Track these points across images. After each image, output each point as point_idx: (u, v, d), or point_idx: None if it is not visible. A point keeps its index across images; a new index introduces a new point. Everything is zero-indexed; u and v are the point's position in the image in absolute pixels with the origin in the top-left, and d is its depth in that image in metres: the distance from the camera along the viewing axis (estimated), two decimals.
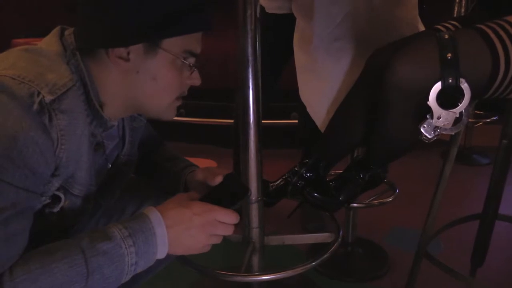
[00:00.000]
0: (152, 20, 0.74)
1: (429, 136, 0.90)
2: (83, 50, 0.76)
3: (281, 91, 1.83)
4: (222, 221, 0.75)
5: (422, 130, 0.90)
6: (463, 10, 2.24)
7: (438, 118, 0.88)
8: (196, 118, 2.66)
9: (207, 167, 0.96)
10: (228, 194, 0.81)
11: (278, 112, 2.55)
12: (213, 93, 2.53)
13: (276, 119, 2.58)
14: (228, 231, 0.76)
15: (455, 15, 2.25)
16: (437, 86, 0.87)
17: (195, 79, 0.84)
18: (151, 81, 0.77)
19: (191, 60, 0.81)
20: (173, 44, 0.76)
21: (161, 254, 0.71)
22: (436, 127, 0.89)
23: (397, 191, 1.57)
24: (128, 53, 0.75)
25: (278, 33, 1.54)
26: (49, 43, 0.77)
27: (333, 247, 1.13)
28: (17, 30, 3.13)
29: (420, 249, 1.23)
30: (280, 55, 1.67)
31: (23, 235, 0.65)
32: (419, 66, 0.88)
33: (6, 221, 0.62)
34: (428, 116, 0.89)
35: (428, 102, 0.88)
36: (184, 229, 0.72)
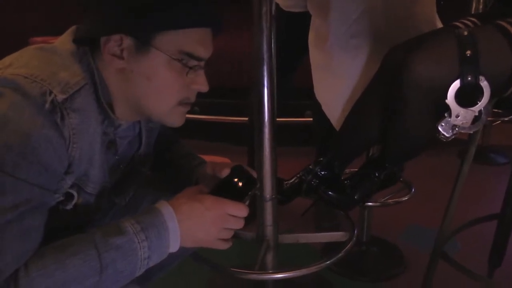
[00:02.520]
0: (134, 10, 0.73)
1: (447, 135, 0.89)
2: (76, 41, 0.76)
3: (295, 89, 1.82)
4: (233, 214, 0.75)
5: (440, 128, 0.89)
6: (481, 6, 2.20)
7: (457, 116, 0.87)
8: (210, 115, 2.67)
9: (216, 161, 0.96)
10: (236, 187, 0.80)
11: (292, 110, 2.54)
12: (227, 91, 2.54)
13: (290, 117, 2.58)
14: (239, 225, 0.77)
15: (473, 11, 2.21)
16: (456, 84, 0.85)
17: (200, 85, 0.80)
18: (146, 81, 0.76)
19: (192, 63, 0.77)
20: (165, 42, 0.74)
21: (173, 247, 0.72)
22: (454, 126, 0.88)
23: (413, 190, 1.55)
24: (122, 51, 0.75)
25: (293, 31, 1.53)
26: (63, 42, 0.78)
27: (348, 246, 1.12)
28: (34, 28, 3.18)
29: (436, 249, 1.22)
30: (294, 53, 1.66)
31: (37, 231, 0.66)
32: (437, 63, 0.87)
33: (21, 217, 0.63)
34: (446, 115, 0.88)
35: (446, 100, 0.86)
36: (195, 223, 0.73)
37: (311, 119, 2.55)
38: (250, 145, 2.04)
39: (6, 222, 0.62)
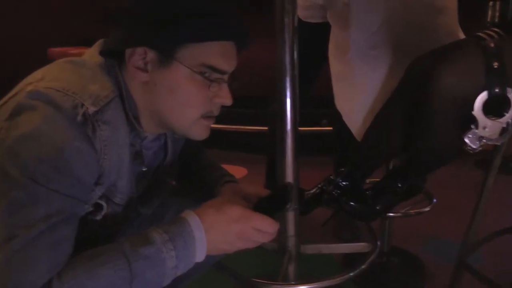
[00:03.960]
0: (156, 23, 0.73)
1: (474, 146, 0.88)
2: (102, 53, 0.78)
3: (312, 98, 1.82)
4: (259, 228, 0.75)
5: (466, 140, 0.88)
6: (497, 14, 2.17)
7: (484, 128, 0.86)
8: (228, 125, 2.68)
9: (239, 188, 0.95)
10: (274, 202, 0.80)
11: (308, 119, 2.53)
12: (245, 100, 2.54)
13: (306, 126, 2.57)
14: (265, 239, 0.76)
15: (488, 19, 2.19)
16: (483, 96, 0.85)
17: (224, 98, 0.79)
18: (169, 94, 0.76)
19: (215, 76, 0.77)
20: (187, 55, 0.75)
21: (199, 257, 0.72)
22: (481, 137, 0.87)
23: (434, 200, 1.54)
24: (146, 64, 0.76)
25: (311, 41, 1.54)
26: (92, 55, 0.79)
27: (371, 258, 1.12)
28: (52, 39, 3.24)
29: (460, 260, 1.20)
30: (313, 63, 1.66)
31: (69, 241, 0.67)
32: (464, 75, 0.87)
33: (53, 228, 0.64)
34: (472, 126, 0.87)
35: (473, 112, 0.86)
36: (221, 235, 0.73)
37: (328, 128, 2.55)
38: (270, 154, 2.05)
39: (39, 233, 0.63)
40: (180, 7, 0.74)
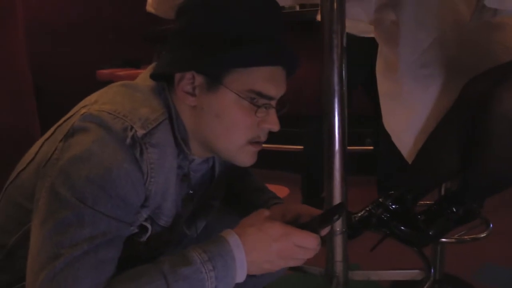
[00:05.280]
0: (205, 49, 0.74)
1: None
2: (152, 77, 0.79)
3: (354, 116, 1.80)
4: (301, 245, 0.72)
5: None
6: None
7: None
8: (268, 144, 2.67)
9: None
10: (318, 219, 0.77)
11: (351, 138, 2.49)
12: (285, 119, 2.53)
13: (350, 145, 2.53)
14: (307, 256, 0.73)
15: None
16: None
17: (271, 124, 0.78)
18: (215, 118, 0.76)
19: (262, 101, 0.76)
20: (234, 80, 0.74)
21: (240, 277, 0.70)
22: None
23: (491, 226, 1.45)
24: (194, 88, 0.76)
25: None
26: (144, 78, 0.81)
27: (425, 287, 1.06)
28: (100, 61, 3.37)
29: None
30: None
31: (112, 263, 0.67)
32: None
33: (97, 249, 0.65)
34: None
35: None
36: (262, 255, 0.71)
37: (372, 147, 2.49)
38: (307, 174, 2.04)
39: (83, 253, 0.64)
40: (228, 31, 0.74)
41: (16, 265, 0.74)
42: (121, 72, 3.09)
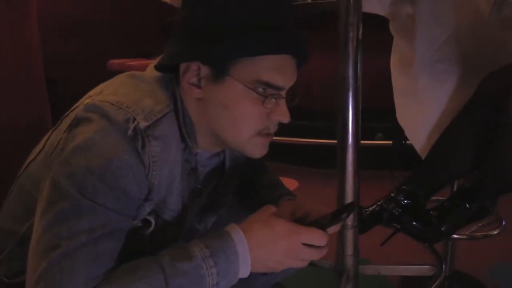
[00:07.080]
0: (210, 38, 0.72)
1: None
2: (157, 68, 0.77)
3: (366, 111, 1.78)
4: (308, 242, 0.71)
5: None
6: None
7: None
8: (281, 136, 2.67)
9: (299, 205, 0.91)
10: (327, 217, 0.75)
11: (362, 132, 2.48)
12: (297, 111, 2.53)
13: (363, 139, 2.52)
14: (316, 255, 0.72)
15: None
16: None
17: (281, 115, 0.76)
18: (223, 110, 0.75)
19: (270, 92, 0.74)
20: (241, 70, 0.72)
21: (243, 273, 0.69)
22: None
23: (504, 223, 1.44)
24: (200, 80, 0.74)
25: None
26: (152, 69, 0.80)
27: (436, 283, 1.05)
28: (112, 51, 3.38)
29: None
30: None
31: (110, 256, 0.66)
32: None
33: (96, 241, 0.64)
34: None
35: None
36: (267, 252, 0.70)
37: (382, 141, 2.48)
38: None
39: (81, 245, 0.63)
40: (233, 20, 0.72)
41: (26, 253, 0.74)
42: (132, 62, 3.09)
